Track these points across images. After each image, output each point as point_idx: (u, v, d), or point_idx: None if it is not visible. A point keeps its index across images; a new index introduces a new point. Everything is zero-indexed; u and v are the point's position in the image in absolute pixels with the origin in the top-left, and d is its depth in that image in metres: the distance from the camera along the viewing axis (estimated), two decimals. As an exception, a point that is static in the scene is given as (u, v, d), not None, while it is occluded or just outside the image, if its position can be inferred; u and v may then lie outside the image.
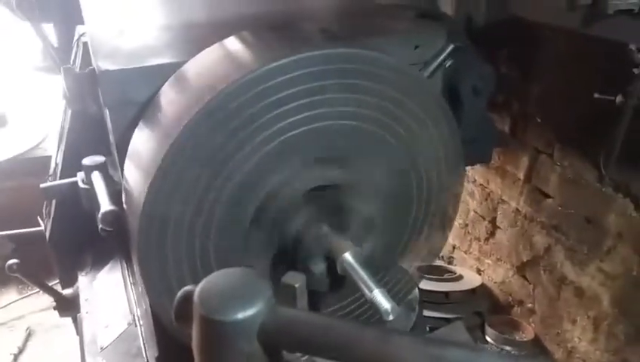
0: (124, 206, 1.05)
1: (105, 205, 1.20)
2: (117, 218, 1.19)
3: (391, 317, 0.79)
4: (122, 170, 1.07)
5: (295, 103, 0.91)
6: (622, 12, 1.07)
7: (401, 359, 0.51)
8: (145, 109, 0.98)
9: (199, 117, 0.86)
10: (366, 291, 0.83)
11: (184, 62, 1.03)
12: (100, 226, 1.23)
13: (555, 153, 2.06)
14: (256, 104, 0.89)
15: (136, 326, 1.46)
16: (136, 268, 1.00)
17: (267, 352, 0.58)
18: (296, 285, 0.67)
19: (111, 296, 1.58)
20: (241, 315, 0.57)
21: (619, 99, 1.16)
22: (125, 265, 1.65)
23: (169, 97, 0.95)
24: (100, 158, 1.34)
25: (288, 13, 1.39)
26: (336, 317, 0.58)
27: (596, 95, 1.20)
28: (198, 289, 0.60)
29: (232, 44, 1.01)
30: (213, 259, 0.96)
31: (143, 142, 0.95)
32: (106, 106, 1.02)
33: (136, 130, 0.97)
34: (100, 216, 1.18)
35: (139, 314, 1.48)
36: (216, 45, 1.01)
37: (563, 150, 2.02)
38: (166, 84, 0.98)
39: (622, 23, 1.08)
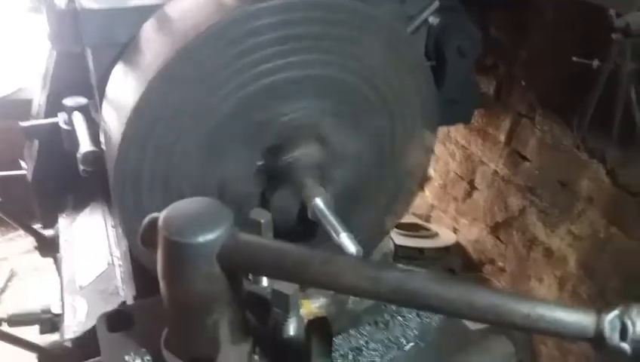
0: (103, 147, 1.06)
1: (85, 145, 1.21)
2: (97, 158, 1.21)
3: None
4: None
5: (276, 48, 0.93)
6: (606, -24, 1.08)
7: (343, 279, 0.56)
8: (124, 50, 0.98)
9: (176, 58, 0.87)
10: (334, 235, 0.87)
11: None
12: (81, 167, 1.25)
13: (537, 117, 2.09)
14: (237, 46, 0.90)
15: (114, 266, 1.50)
16: (114, 208, 1.03)
17: (226, 273, 0.63)
18: (262, 220, 0.71)
19: (91, 238, 1.61)
20: (201, 238, 0.62)
21: (596, 63, 1.18)
22: (106, 207, 1.67)
23: (147, 38, 0.95)
24: (81, 99, 1.35)
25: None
26: (289, 243, 0.63)
27: (574, 58, 1.22)
28: (163, 214, 0.64)
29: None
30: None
31: (120, 84, 0.96)
32: (87, 46, 1.02)
33: (114, 70, 0.98)
34: (80, 156, 1.20)
35: (117, 255, 1.51)
36: None
37: (544, 115, 2.05)
38: (145, 25, 0.98)
39: (605, -12, 1.10)
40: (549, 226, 2.12)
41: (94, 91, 1.21)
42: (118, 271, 1.44)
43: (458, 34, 1.51)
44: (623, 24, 1.04)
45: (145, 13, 1.02)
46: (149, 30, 0.96)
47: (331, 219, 0.88)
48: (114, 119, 0.95)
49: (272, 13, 0.91)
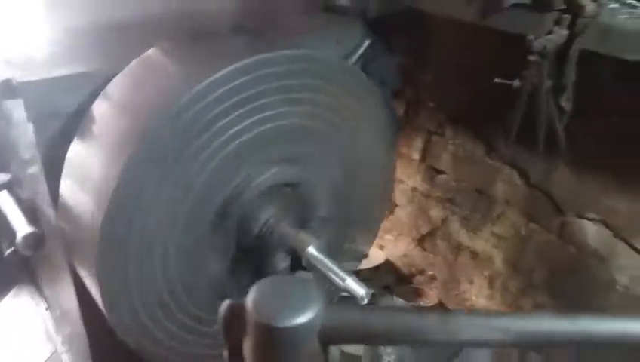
0: (63, 224, 0.97)
1: (23, 227, 1.10)
2: (39, 240, 1.10)
3: (366, 301, 0.83)
4: (48, 185, 0.98)
5: (242, 109, 0.91)
6: (517, 5, 1.20)
7: (467, 335, 0.55)
8: (79, 124, 0.91)
9: (150, 132, 0.82)
10: (338, 281, 0.86)
11: (107, 69, 0.98)
12: (15, 249, 1.13)
13: (447, 133, 2.24)
14: (202, 117, 0.88)
15: (58, 353, 1.35)
16: (93, 283, 0.93)
17: (323, 348, 0.60)
18: (309, 283, 0.68)
19: (22, 324, 1.44)
20: (302, 319, 0.58)
21: (516, 83, 1.30)
22: (33, 289, 1.51)
23: (108, 113, 0.89)
24: (4, 176, 1.22)
25: (191, 14, 1.35)
26: (389, 307, 0.61)
27: (497, 80, 1.33)
28: (250, 299, 0.59)
29: (160, 56, 0.97)
30: (174, 266, 0.93)
31: (88, 159, 0.89)
32: (29, 120, 0.93)
33: (75, 145, 0.90)
34: (19, 239, 1.09)
35: (61, 339, 1.37)
36: (147, 57, 0.96)
37: (454, 130, 2.20)
38: (98, 99, 0.92)
39: (518, 15, 1.21)
40: (472, 231, 2.26)
41: (25, 165, 1.10)
42: (65, 358, 1.30)
43: (380, 66, 1.59)
44: (541, 47, 1.16)
45: (85, 80, 0.96)
46: (105, 105, 0.90)
47: (330, 265, 0.87)
48: (87, 198, 0.87)
49: (230, 79, 0.89)
